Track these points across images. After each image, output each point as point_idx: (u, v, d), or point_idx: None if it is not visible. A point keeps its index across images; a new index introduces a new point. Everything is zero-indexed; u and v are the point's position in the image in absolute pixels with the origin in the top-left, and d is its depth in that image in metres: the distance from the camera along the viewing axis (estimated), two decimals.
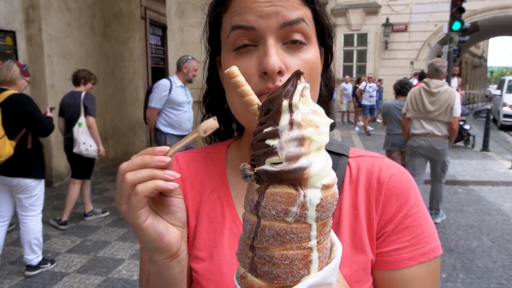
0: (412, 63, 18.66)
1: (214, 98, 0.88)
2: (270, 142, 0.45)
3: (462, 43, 11.75)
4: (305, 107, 0.47)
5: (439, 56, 14.06)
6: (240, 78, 0.53)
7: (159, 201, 0.60)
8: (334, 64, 0.87)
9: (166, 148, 0.57)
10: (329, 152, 0.77)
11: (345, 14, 18.86)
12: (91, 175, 5.38)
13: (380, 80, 16.27)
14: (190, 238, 0.79)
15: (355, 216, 0.74)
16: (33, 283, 3.80)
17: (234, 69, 0.53)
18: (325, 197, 0.45)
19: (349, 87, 15.61)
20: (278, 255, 0.45)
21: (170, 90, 4.84)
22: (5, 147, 3.57)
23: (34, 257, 3.91)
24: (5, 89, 3.74)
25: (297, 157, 0.44)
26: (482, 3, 17.92)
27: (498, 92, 18.02)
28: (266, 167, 0.45)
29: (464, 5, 10.50)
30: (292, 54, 0.69)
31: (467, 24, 11.74)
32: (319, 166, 0.45)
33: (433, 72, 4.91)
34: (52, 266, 4.09)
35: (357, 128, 14.58)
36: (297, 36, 0.69)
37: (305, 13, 0.70)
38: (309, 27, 0.70)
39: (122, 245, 4.65)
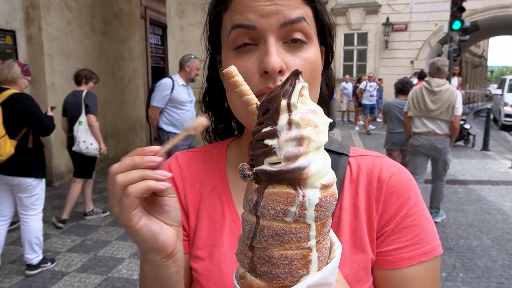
0: (412, 62, 18.65)
1: (214, 97, 0.88)
2: (268, 142, 0.45)
3: (462, 42, 11.74)
4: (303, 106, 0.47)
5: (439, 55, 14.05)
6: (239, 78, 0.52)
7: (152, 201, 0.60)
8: (335, 63, 0.86)
9: (156, 147, 0.57)
10: (330, 151, 0.77)
11: (345, 13, 18.85)
12: (93, 174, 5.39)
13: (380, 80, 16.25)
14: (190, 238, 0.79)
15: (356, 216, 0.73)
16: (33, 282, 3.80)
17: (233, 69, 0.53)
18: (324, 197, 0.45)
19: (349, 86, 15.60)
20: (277, 255, 0.45)
21: (172, 89, 4.84)
22: (6, 146, 3.57)
23: (34, 256, 3.91)
24: (6, 89, 3.74)
25: (295, 157, 0.44)
26: (482, 2, 17.90)
27: (499, 91, 17.69)
28: (265, 167, 0.45)
29: (464, 4, 10.49)
30: (293, 53, 0.69)
31: (467, 23, 11.72)
32: (318, 165, 0.45)
33: (435, 71, 4.92)
34: (53, 265, 4.09)
35: (357, 128, 14.57)
36: (298, 35, 0.68)
37: (306, 12, 0.70)
38: (310, 26, 0.70)
39: (122, 244, 4.65)
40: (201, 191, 0.81)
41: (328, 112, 0.86)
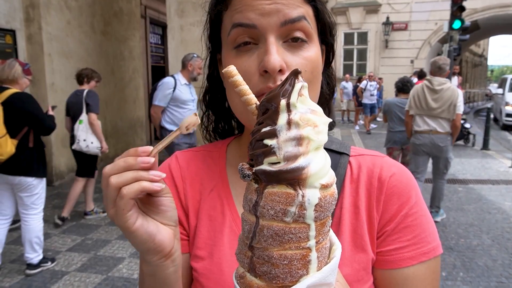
0: (412, 61, 18.64)
1: (215, 95, 0.88)
2: (268, 142, 0.45)
3: (463, 41, 11.74)
4: (303, 106, 0.46)
5: (439, 54, 14.03)
6: (238, 77, 0.52)
7: (148, 201, 0.60)
8: (335, 62, 0.86)
9: (149, 148, 0.57)
10: (330, 150, 0.77)
11: (345, 12, 18.84)
12: (95, 173, 5.39)
13: (380, 79, 16.25)
14: (190, 237, 0.79)
15: (356, 215, 0.73)
16: (34, 282, 3.80)
17: (232, 69, 0.53)
18: (323, 197, 0.45)
19: (349, 85, 15.60)
20: (277, 255, 0.45)
21: (175, 88, 4.84)
22: (6, 145, 3.58)
23: (34, 255, 3.91)
24: (7, 88, 3.74)
25: (295, 157, 0.44)
26: (483, 1, 17.88)
27: (499, 91, 17.40)
28: (264, 167, 0.45)
29: (464, 3, 10.48)
30: (293, 52, 0.68)
31: (467, 22, 11.72)
32: (317, 165, 0.45)
33: (436, 70, 4.95)
34: (53, 264, 4.09)
35: (357, 127, 14.58)
36: (298, 35, 0.68)
37: (306, 10, 0.70)
38: (310, 25, 0.70)
39: (122, 243, 4.65)
40: (201, 190, 0.81)
41: (328, 112, 0.86)
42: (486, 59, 42.13)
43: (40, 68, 6.66)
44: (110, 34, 8.57)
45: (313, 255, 0.46)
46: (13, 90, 3.74)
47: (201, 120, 0.92)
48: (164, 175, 0.57)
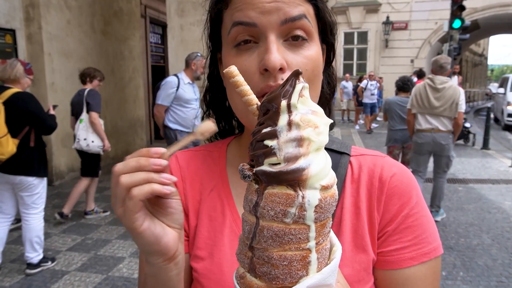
0: (412, 61, 18.64)
1: (215, 95, 0.87)
2: (268, 142, 0.45)
3: (463, 41, 11.75)
4: (304, 107, 0.46)
5: (439, 54, 14.03)
6: (239, 78, 0.52)
7: (156, 202, 0.59)
8: (335, 62, 0.85)
9: (162, 150, 0.56)
10: (331, 150, 0.76)
11: (346, 12, 18.83)
12: (98, 173, 5.39)
13: (380, 78, 16.25)
14: (190, 237, 0.78)
15: (357, 216, 0.73)
16: (34, 281, 3.81)
17: (233, 69, 0.53)
18: (324, 198, 0.45)
19: (349, 85, 15.60)
20: (277, 256, 0.45)
21: (178, 87, 4.83)
22: (8, 145, 3.58)
23: (35, 255, 3.91)
24: (9, 87, 3.75)
25: (295, 158, 0.44)
26: (483, 1, 17.88)
27: (501, 90, 17.01)
28: (265, 167, 0.45)
29: (464, 3, 10.49)
30: (294, 51, 0.68)
31: (467, 22, 11.73)
32: (318, 167, 0.44)
33: (438, 69, 4.98)
34: (53, 264, 4.09)
35: (357, 127, 14.58)
36: (299, 34, 0.68)
37: (307, 9, 0.69)
38: (311, 23, 0.69)
39: (122, 243, 4.65)
40: (201, 190, 0.80)
41: (329, 111, 0.86)
42: (486, 58, 42.12)
43: (40, 67, 6.66)
44: (110, 33, 8.57)
45: (313, 256, 0.46)
46: (14, 89, 3.75)
47: (201, 120, 0.92)
48: (175, 178, 0.57)
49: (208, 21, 0.79)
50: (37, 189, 3.87)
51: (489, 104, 14.59)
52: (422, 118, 5.08)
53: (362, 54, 19.45)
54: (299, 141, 0.44)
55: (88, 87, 5.12)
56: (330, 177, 0.47)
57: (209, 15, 0.78)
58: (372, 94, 13.66)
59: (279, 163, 0.44)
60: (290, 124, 0.45)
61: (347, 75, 16.73)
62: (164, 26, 11.13)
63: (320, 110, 0.48)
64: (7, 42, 6.40)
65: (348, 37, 19.34)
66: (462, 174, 7.93)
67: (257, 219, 0.46)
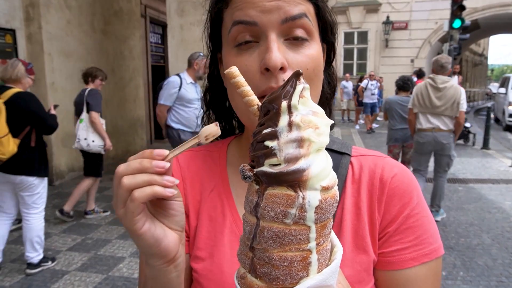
0: (412, 61, 18.63)
1: (215, 95, 0.87)
2: (269, 143, 0.45)
3: (463, 41, 11.74)
4: (304, 108, 0.46)
5: (439, 54, 14.02)
6: (240, 79, 0.52)
7: (157, 203, 0.59)
8: (335, 62, 0.85)
9: (165, 152, 0.56)
10: (331, 150, 0.76)
11: (346, 12, 18.83)
12: (101, 173, 5.39)
13: (380, 78, 16.25)
14: (191, 238, 0.78)
15: (358, 216, 0.73)
16: (34, 281, 3.81)
17: (234, 70, 0.52)
18: (324, 199, 0.45)
19: (349, 85, 15.60)
20: (277, 256, 0.45)
21: (180, 87, 4.82)
22: (9, 144, 3.59)
23: (35, 255, 3.91)
24: (10, 87, 3.76)
25: (296, 159, 0.44)
26: (483, 0, 17.88)
27: (502, 90, 16.68)
28: (265, 168, 0.45)
29: (464, 2, 10.48)
30: (294, 50, 0.68)
31: (467, 22, 11.73)
32: (318, 167, 0.44)
33: (439, 68, 5.01)
34: (53, 264, 4.09)
35: (357, 126, 14.58)
36: (299, 33, 0.68)
37: (307, 8, 0.69)
38: (312, 22, 0.69)
39: (122, 243, 4.65)
40: (201, 190, 0.80)
41: (329, 111, 0.86)
42: (486, 58, 42.11)
43: (40, 67, 6.66)
44: (110, 33, 8.57)
45: (314, 257, 0.46)
46: (16, 89, 3.75)
47: (202, 119, 0.92)
48: (177, 181, 0.56)
49: (208, 21, 0.79)
50: (37, 189, 3.87)
51: (489, 104, 14.52)
52: (423, 118, 5.10)
53: (362, 54, 19.44)
54: (300, 142, 0.44)
55: (91, 86, 5.13)
56: (331, 178, 0.47)
57: (209, 14, 0.78)
58: (373, 94, 13.66)
59: (279, 164, 0.44)
60: (290, 125, 0.45)
61: (347, 75, 16.74)
62: (164, 26, 11.13)
63: (321, 110, 0.48)
64: (7, 42, 6.41)
65: (348, 37, 19.34)
66: (462, 174, 7.93)
67: (257, 219, 0.46)
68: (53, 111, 4.16)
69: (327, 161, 0.47)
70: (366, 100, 13.70)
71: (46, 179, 3.99)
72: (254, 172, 0.46)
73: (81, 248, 4.54)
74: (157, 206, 0.59)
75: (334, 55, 0.82)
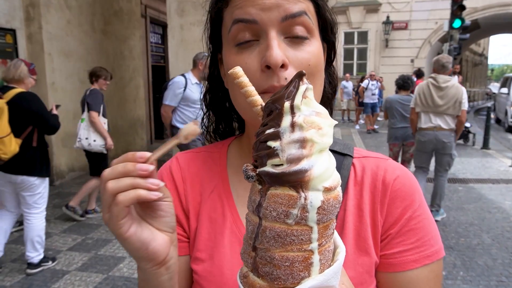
0: (412, 61, 18.63)
1: (215, 95, 0.87)
2: (271, 143, 0.45)
3: (463, 40, 11.75)
4: (307, 108, 0.46)
5: (439, 54, 14.02)
6: (244, 79, 0.52)
7: (145, 205, 0.59)
8: (336, 62, 0.85)
9: (147, 154, 0.55)
10: (333, 152, 0.76)
11: (346, 12, 18.82)
12: None
13: (380, 78, 16.23)
14: (191, 239, 0.78)
15: (360, 218, 0.73)
16: (34, 281, 3.81)
17: (238, 70, 0.53)
18: (326, 200, 0.45)
19: (349, 85, 15.59)
20: (279, 256, 0.45)
21: (185, 87, 4.82)
22: (10, 144, 3.60)
23: (35, 254, 3.92)
24: (13, 88, 3.77)
25: (298, 159, 0.44)
26: (483, 0, 17.87)
27: (503, 90, 16.29)
28: (268, 168, 0.45)
29: (464, 2, 10.49)
30: (295, 48, 0.68)
31: (467, 21, 11.74)
32: (321, 168, 0.44)
33: (440, 68, 5.05)
34: (53, 264, 4.10)
35: (357, 126, 14.57)
36: (299, 30, 0.68)
37: (307, 6, 0.69)
38: (312, 20, 0.69)
39: None
40: (201, 192, 0.80)
41: (330, 111, 0.86)
42: (486, 58, 42.09)
43: (41, 67, 6.66)
44: (110, 33, 8.56)
45: (315, 258, 0.46)
46: (18, 89, 3.76)
47: (202, 120, 0.92)
48: (162, 184, 0.56)
49: (208, 21, 0.79)
50: (39, 189, 3.88)
51: (489, 104, 14.45)
52: (425, 117, 5.14)
53: (362, 54, 19.44)
54: (302, 143, 0.44)
55: (95, 86, 5.16)
56: (334, 179, 0.47)
57: (209, 15, 0.78)
58: (373, 94, 13.65)
59: (282, 164, 0.44)
60: (293, 125, 0.45)
61: (347, 75, 16.73)
62: (164, 26, 11.13)
63: (324, 111, 0.48)
64: (7, 42, 6.41)
65: (348, 37, 19.33)
66: (462, 173, 7.94)
67: (260, 219, 0.47)
68: (55, 111, 4.17)
69: (330, 162, 0.47)
70: (366, 100, 13.69)
71: (47, 179, 3.99)
72: (257, 172, 0.46)
73: (81, 248, 4.54)
74: (145, 208, 0.59)
75: (334, 55, 0.82)
